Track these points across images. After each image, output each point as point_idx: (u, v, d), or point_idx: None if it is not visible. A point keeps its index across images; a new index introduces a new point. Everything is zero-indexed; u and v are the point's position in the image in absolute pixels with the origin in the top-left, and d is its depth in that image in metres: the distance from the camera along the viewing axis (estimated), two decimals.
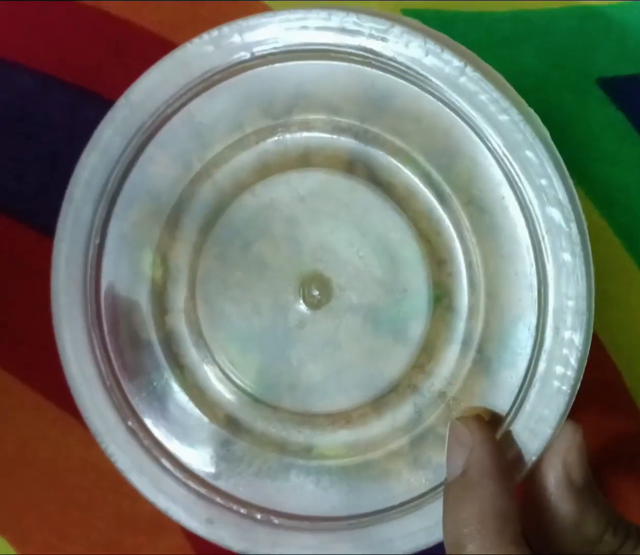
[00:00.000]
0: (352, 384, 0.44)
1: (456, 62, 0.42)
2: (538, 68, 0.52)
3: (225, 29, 0.45)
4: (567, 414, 0.40)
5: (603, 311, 0.49)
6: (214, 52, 0.45)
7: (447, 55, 0.42)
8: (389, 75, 0.43)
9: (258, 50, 0.44)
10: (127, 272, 0.47)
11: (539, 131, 0.42)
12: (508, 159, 0.41)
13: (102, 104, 0.52)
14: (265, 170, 0.45)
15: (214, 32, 0.45)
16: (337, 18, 0.42)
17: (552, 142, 0.42)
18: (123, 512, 0.54)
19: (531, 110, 0.43)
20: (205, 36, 0.45)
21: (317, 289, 0.45)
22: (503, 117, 0.41)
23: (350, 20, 0.42)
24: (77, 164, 0.45)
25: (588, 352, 0.40)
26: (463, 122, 0.43)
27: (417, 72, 0.42)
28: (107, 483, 0.54)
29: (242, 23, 0.45)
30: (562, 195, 0.41)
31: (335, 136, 0.45)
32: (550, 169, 0.41)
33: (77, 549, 0.54)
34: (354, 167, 0.45)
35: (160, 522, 0.53)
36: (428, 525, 0.41)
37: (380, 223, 0.44)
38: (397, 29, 0.42)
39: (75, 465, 0.54)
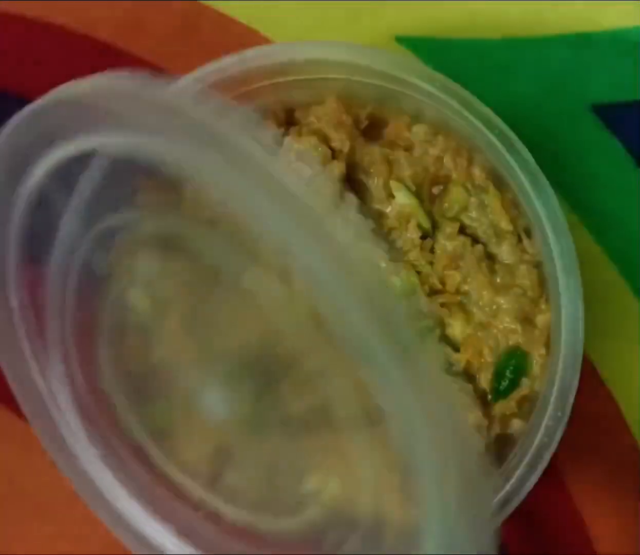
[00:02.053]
0: None
1: None
2: (532, 95, 0.52)
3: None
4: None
5: (599, 339, 0.49)
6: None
7: None
8: None
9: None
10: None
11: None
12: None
13: None
14: None
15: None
16: None
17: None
18: (111, 545, 0.50)
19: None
20: None
21: None
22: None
23: None
24: None
25: None
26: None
27: None
28: (96, 515, 0.50)
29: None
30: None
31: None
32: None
33: None
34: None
35: None
36: None
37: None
38: None
39: (65, 497, 0.51)
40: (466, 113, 0.43)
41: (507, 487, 0.41)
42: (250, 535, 0.46)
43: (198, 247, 0.47)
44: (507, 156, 0.42)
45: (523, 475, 0.41)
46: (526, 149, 0.42)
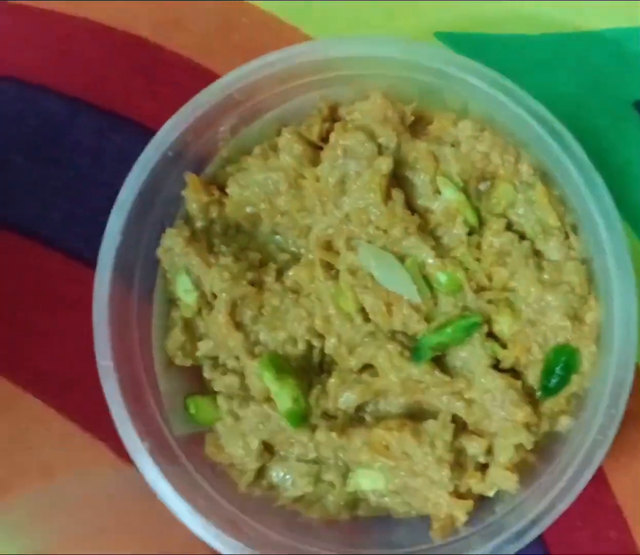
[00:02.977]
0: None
1: None
2: (572, 92, 0.52)
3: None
4: None
5: None
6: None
7: None
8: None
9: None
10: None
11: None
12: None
13: (131, 129, 0.53)
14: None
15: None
16: None
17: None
18: (152, 540, 0.52)
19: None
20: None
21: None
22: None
23: None
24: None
25: None
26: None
27: None
28: (136, 510, 0.52)
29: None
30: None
31: None
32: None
33: None
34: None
35: (190, 548, 0.50)
36: None
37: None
38: None
39: (105, 492, 0.52)
40: (517, 108, 0.42)
41: (560, 485, 0.40)
42: (295, 529, 0.45)
43: (245, 242, 0.47)
44: (559, 151, 0.41)
45: (575, 474, 0.41)
46: (578, 145, 0.41)
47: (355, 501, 0.46)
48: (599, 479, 0.49)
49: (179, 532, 0.50)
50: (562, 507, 0.41)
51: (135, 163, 0.45)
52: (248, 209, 0.46)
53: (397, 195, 0.45)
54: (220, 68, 0.53)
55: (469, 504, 0.43)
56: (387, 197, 0.44)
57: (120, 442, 0.45)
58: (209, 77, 0.48)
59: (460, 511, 0.43)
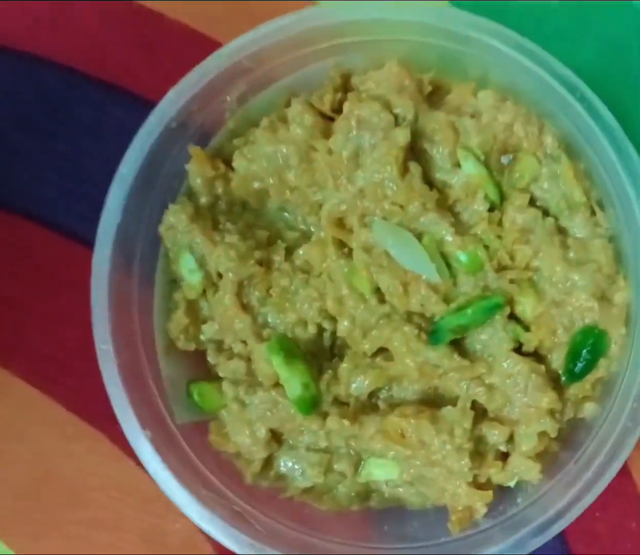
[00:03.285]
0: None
1: None
2: (596, 63, 0.49)
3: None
4: None
5: None
6: None
7: None
8: None
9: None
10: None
11: None
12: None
13: (131, 102, 0.51)
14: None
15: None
16: None
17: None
18: (151, 533, 0.51)
19: None
20: None
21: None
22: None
23: None
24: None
25: None
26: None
27: None
28: (134, 502, 0.51)
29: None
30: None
31: None
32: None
33: None
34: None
35: (191, 542, 0.50)
36: None
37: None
38: None
39: (101, 483, 0.51)
40: (544, 74, 0.40)
41: (587, 476, 0.38)
42: (304, 521, 0.43)
43: (251, 219, 0.45)
44: (589, 120, 0.39)
45: (603, 464, 0.39)
46: (610, 114, 0.39)
47: (367, 492, 0.44)
48: (621, 468, 0.47)
49: (181, 526, 0.49)
50: (589, 499, 0.39)
51: (137, 134, 0.43)
52: (255, 184, 0.45)
53: (415, 168, 0.43)
54: (225, 37, 0.50)
55: (488, 494, 0.41)
56: (404, 170, 0.43)
57: (118, 432, 0.43)
58: (213, 46, 0.46)
59: (480, 502, 0.41)
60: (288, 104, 0.44)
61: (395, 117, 0.43)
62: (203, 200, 0.44)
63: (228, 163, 0.45)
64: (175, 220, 0.43)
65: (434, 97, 0.44)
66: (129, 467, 0.49)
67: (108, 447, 0.50)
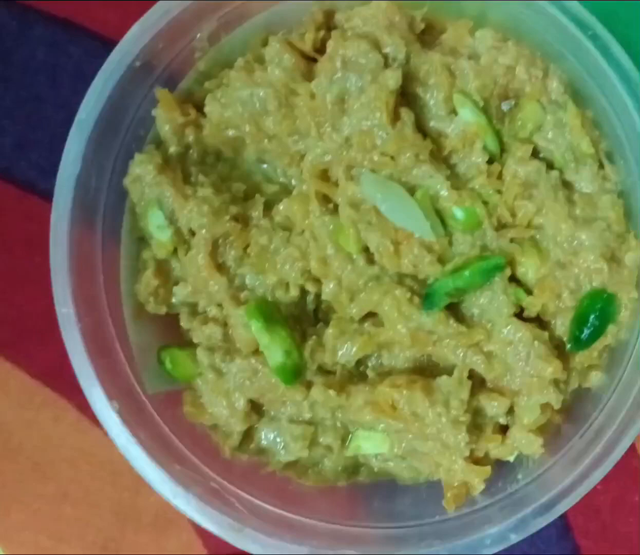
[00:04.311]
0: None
1: None
2: (604, 2, 0.46)
3: None
4: None
5: None
6: None
7: None
8: None
9: None
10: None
11: None
12: None
13: (91, 41, 0.48)
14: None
15: None
16: None
17: None
18: (123, 507, 0.49)
19: None
20: None
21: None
22: None
23: None
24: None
25: None
26: None
27: None
28: (105, 474, 0.49)
29: None
30: None
31: None
32: None
33: (71, 550, 0.49)
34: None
35: (167, 517, 0.48)
36: None
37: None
38: None
39: (68, 455, 0.49)
40: (551, 9, 0.36)
41: (595, 451, 0.36)
42: (287, 498, 0.41)
43: (226, 171, 0.43)
44: (602, 62, 0.36)
45: (612, 438, 0.36)
46: (626, 55, 0.36)
47: (355, 466, 0.43)
48: None
49: (155, 500, 0.47)
50: (597, 476, 0.36)
51: (97, 75, 0.41)
52: (230, 132, 0.42)
53: (407, 115, 0.40)
54: None
55: (486, 470, 0.40)
56: (395, 117, 0.40)
57: (86, 400, 0.41)
58: None
59: (477, 478, 0.40)
60: (265, 43, 0.42)
61: (385, 57, 0.40)
62: (172, 149, 0.42)
63: (199, 108, 0.42)
64: (142, 172, 0.41)
65: (427, 36, 0.41)
66: (98, 437, 0.48)
67: (75, 416, 0.49)
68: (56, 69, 0.49)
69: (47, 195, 0.43)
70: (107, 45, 0.43)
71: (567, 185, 0.40)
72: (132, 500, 0.49)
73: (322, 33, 0.41)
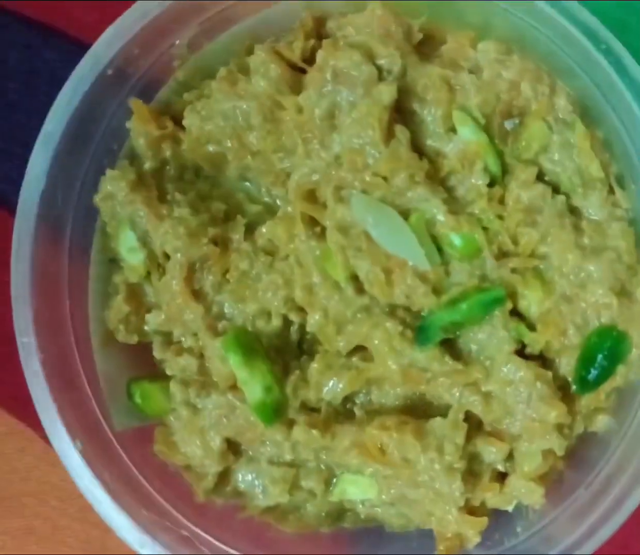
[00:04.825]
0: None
1: None
2: (617, 14, 0.44)
3: None
4: None
5: None
6: None
7: None
8: None
9: None
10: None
11: None
12: None
13: (65, 43, 0.47)
14: None
15: None
16: None
17: None
18: (92, 546, 0.47)
19: None
20: None
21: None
22: None
23: None
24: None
25: None
26: None
27: None
28: (73, 510, 0.47)
29: None
30: None
31: None
32: None
33: None
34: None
35: None
36: None
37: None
38: None
39: (35, 488, 0.47)
40: (561, 20, 0.34)
41: (604, 504, 0.33)
42: (265, 546, 0.39)
43: (206, 189, 0.41)
44: (615, 79, 0.34)
45: (624, 489, 0.34)
46: None
47: (339, 512, 0.41)
48: None
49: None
50: (605, 533, 0.34)
51: (66, 84, 0.39)
52: (210, 148, 0.40)
53: (402, 133, 0.37)
54: None
55: (483, 521, 0.37)
56: (389, 135, 0.38)
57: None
58: None
59: (473, 530, 0.37)
60: (250, 52, 0.40)
61: (379, 70, 0.38)
62: (147, 165, 0.40)
63: (177, 121, 0.40)
64: (114, 189, 0.39)
65: (426, 47, 0.39)
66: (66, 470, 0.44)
67: (42, 448, 0.47)
68: (30, 74, 0.47)
69: (14, 208, 0.39)
70: (86, 49, 0.40)
71: (574, 211, 0.38)
72: (102, 539, 0.47)
73: (312, 42, 0.39)
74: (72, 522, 0.47)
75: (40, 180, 0.38)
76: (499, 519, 0.38)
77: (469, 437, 0.37)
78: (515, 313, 0.38)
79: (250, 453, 0.39)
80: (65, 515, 0.47)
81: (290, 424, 0.38)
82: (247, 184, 0.41)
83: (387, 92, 0.37)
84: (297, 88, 0.38)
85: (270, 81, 0.38)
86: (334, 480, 0.39)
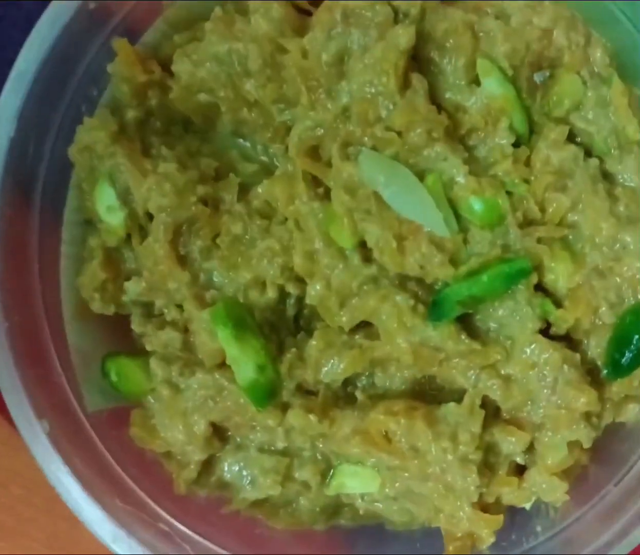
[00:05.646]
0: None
1: None
2: None
3: None
4: None
5: None
6: None
7: None
8: None
9: None
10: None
11: None
12: None
13: None
14: None
15: None
16: None
17: None
18: (59, 541, 0.44)
19: None
20: None
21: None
22: None
23: None
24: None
25: None
26: None
27: None
28: (39, 501, 0.44)
29: None
30: None
31: None
32: None
33: None
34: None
35: (108, 552, 0.43)
36: None
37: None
38: None
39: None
40: None
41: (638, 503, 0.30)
42: (252, 543, 0.36)
43: (195, 145, 0.38)
44: None
45: None
46: None
47: (336, 507, 0.38)
48: None
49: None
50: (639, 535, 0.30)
51: (40, 18, 0.35)
52: (202, 97, 0.37)
53: (419, 82, 0.34)
54: None
55: (498, 519, 0.34)
56: (405, 84, 0.34)
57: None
58: None
59: (487, 529, 0.34)
60: None
61: (395, 11, 0.34)
62: (130, 114, 0.37)
63: (166, 66, 0.38)
64: (92, 140, 0.36)
65: None
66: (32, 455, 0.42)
67: (6, 433, 0.44)
68: (4, 21, 0.44)
69: None
70: None
71: (608, 176, 0.34)
72: (69, 532, 0.44)
73: None
74: (37, 513, 0.45)
75: (9, 125, 0.34)
76: (515, 518, 0.35)
77: (485, 426, 0.34)
78: (541, 288, 0.35)
79: (238, 440, 0.37)
80: (30, 505, 0.44)
81: (284, 407, 0.35)
82: (242, 140, 0.37)
83: (404, 36, 0.33)
84: (302, 30, 0.35)
85: (272, 22, 0.35)
86: (331, 471, 0.36)
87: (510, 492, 0.35)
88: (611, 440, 0.35)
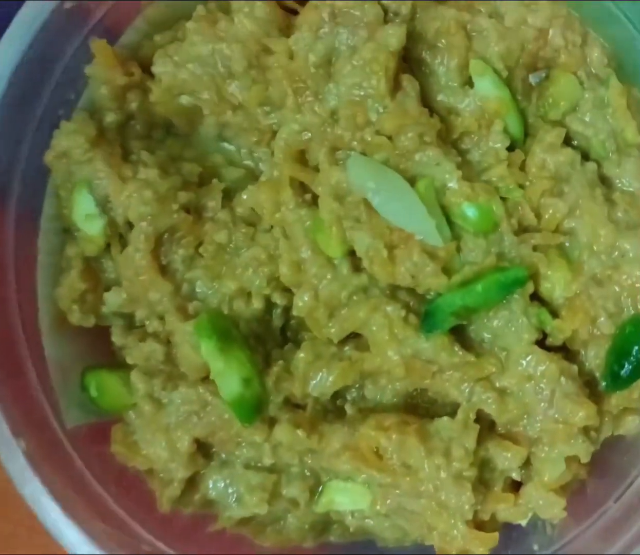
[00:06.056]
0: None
1: None
2: None
3: None
4: None
5: None
6: None
7: None
8: None
9: None
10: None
11: None
12: None
13: None
14: None
15: None
16: None
17: None
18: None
19: None
20: None
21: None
22: None
23: None
24: None
25: None
26: None
27: None
28: (17, 529, 0.43)
29: None
30: None
31: None
32: None
33: None
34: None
35: None
36: None
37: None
38: None
39: None
40: None
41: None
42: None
43: (177, 150, 0.37)
44: None
45: None
46: None
47: (325, 524, 0.37)
48: None
49: None
50: None
51: (14, 19, 0.34)
52: (184, 100, 0.36)
53: (410, 84, 0.33)
54: None
55: (493, 537, 0.33)
56: (395, 86, 0.33)
57: None
58: None
59: (481, 547, 0.33)
60: None
61: (385, 10, 0.33)
62: (110, 118, 0.36)
63: (146, 68, 0.36)
64: (69, 145, 0.35)
65: None
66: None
67: None
68: None
69: None
70: None
71: (605, 181, 0.34)
72: (51, 549, 0.39)
73: None
74: (18, 541, 0.42)
75: None
76: (511, 534, 0.34)
77: (479, 441, 0.33)
78: (537, 297, 0.34)
79: (223, 456, 0.36)
80: (11, 535, 0.42)
81: (271, 422, 0.34)
82: (226, 144, 0.36)
83: (394, 36, 0.32)
84: (287, 30, 0.34)
85: (257, 21, 0.34)
86: (321, 488, 0.35)
87: (505, 509, 0.34)
88: (610, 454, 0.34)
